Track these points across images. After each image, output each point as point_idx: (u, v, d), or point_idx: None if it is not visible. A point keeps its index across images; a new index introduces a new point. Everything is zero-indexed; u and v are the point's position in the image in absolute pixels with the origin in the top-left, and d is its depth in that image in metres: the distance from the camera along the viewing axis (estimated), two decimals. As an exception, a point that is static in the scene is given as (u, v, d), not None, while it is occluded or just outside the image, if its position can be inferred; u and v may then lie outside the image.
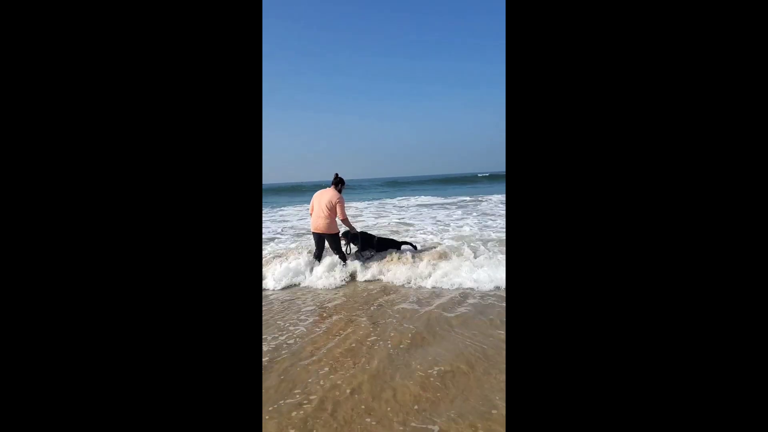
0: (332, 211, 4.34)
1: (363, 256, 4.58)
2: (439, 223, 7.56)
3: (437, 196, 16.35)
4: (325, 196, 4.40)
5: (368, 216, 9.59)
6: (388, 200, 15.41)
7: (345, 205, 4.45)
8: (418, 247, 4.94)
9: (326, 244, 4.48)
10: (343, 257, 4.49)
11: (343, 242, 4.57)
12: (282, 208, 13.24)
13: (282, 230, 7.66)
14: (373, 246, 4.70)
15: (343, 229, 4.59)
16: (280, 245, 5.84)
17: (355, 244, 4.66)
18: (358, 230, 4.80)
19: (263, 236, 6.86)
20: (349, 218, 4.70)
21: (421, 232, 6.52)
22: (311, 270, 4.30)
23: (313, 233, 4.49)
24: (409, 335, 2.63)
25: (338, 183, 4.51)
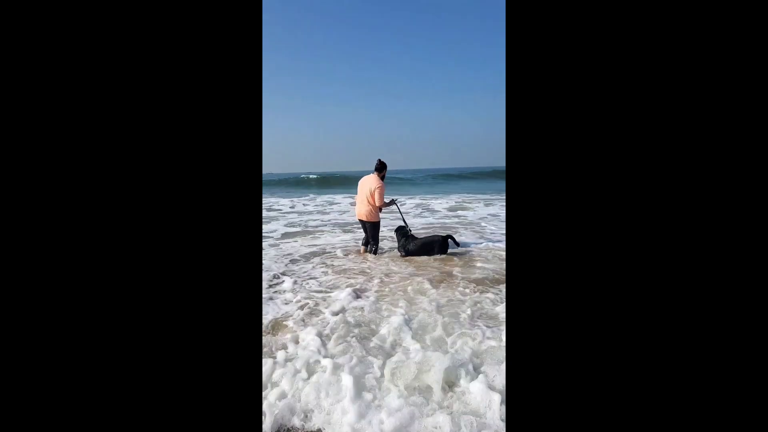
0: (372, 198, 4.34)
1: (405, 250, 4.39)
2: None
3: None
4: (367, 184, 4.41)
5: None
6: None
7: (384, 192, 4.41)
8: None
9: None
10: (375, 248, 4.46)
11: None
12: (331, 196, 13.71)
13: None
14: (415, 243, 4.37)
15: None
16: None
17: (399, 238, 4.48)
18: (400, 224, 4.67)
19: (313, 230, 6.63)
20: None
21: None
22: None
23: (359, 220, 4.52)
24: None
25: (380, 169, 4.43)
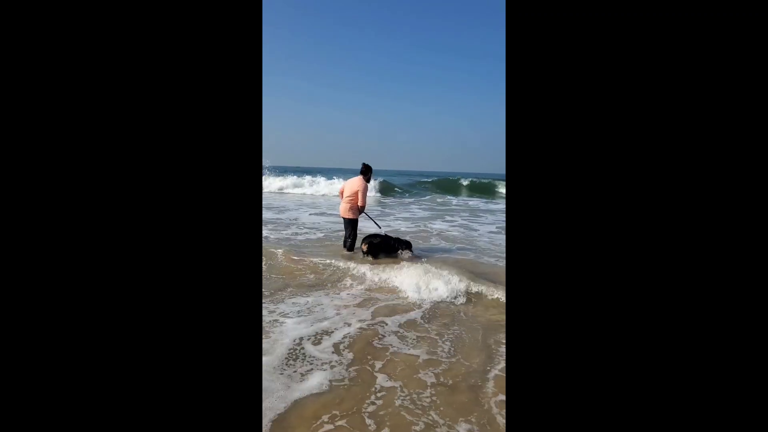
0: (355, 198, 4.76)
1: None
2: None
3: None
4: (352, 184, 4.83)
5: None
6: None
7: (366, 193, 4.81)
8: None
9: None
10: (350, 244, 4.85)
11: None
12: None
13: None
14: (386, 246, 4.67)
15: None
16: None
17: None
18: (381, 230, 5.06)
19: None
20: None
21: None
22: None
23: (342, 217, 4.93)
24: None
25: (365, 172, 4.85)
